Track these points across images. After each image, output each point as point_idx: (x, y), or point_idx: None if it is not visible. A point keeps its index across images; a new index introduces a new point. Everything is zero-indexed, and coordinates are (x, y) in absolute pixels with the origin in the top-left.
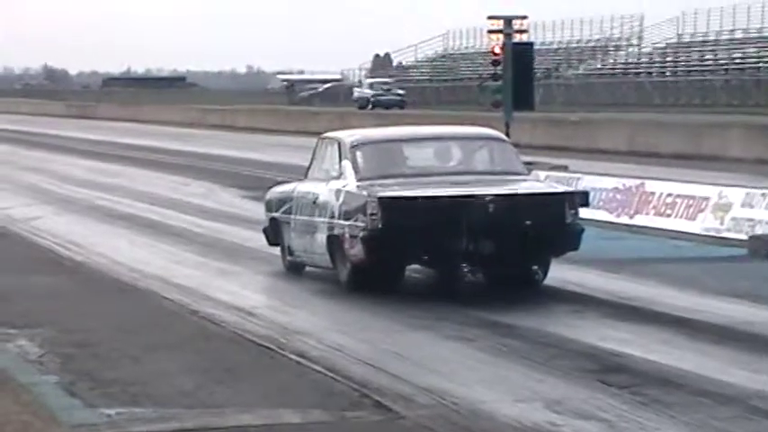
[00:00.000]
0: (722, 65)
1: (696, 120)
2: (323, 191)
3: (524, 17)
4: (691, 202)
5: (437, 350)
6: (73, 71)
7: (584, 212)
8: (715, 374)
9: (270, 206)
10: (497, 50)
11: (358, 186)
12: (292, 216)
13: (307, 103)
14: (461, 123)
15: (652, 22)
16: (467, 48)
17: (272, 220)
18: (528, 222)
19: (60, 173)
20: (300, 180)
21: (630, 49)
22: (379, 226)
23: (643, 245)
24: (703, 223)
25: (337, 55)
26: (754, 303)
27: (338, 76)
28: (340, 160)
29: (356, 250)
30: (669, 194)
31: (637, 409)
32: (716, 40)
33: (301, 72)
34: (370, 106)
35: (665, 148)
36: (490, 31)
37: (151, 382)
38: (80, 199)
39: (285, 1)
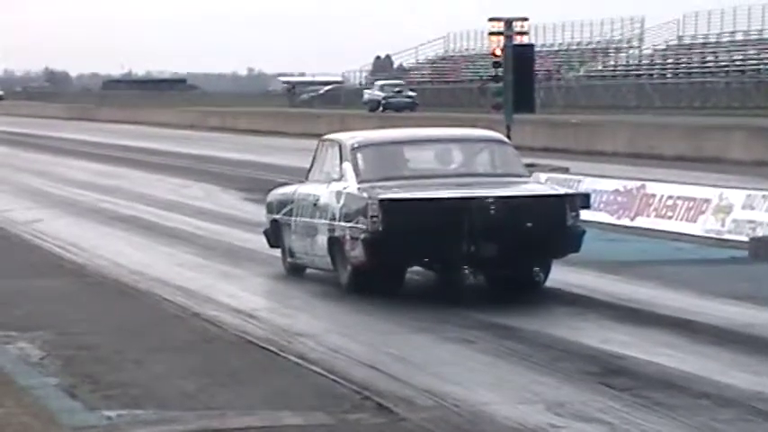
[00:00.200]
0: (723, 67)
1: (697, 122)
2: (324, 193)
3: (525, 19)
4: (691, 204)
5: (438, 352)
6: (73, 74)
7: (584, 214)
8: (716, 376)
9: (271, 208)
10: (498, 52)
11: (359, 188)
12: (293, 218)
13: (307, 106)
14: (462, 125)
15: (653, 24)
16: (467, 50)
17: (273, 222)
18: (529, 224)
19: (61, 175)
20: (301, 182)
21: (631, 52)
22: (380, 228)
23: (644, 247)
24: (704, 225)
25: (338, 57)
26: (754, 305)
27: (339, 79)
28: (341, 162)
29: (357, 252)
30: (670, 196)
31: (638, 412)
32: (716, 43)
33: (302, 74)
34: (380, 109)
35: (665, 151)
36: (491, 33)
37: (152, 385)
38: (81, 201)
39: (286, 3)
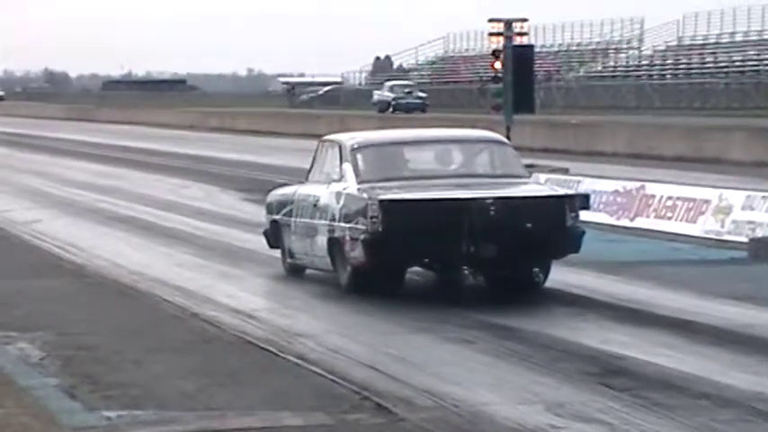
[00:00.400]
0: (722, 68)
1: (696, 122)
2: (323, 194)
3: (525, 20)
4: (691, 204)
5: (438, 353)
6: (73, 74)
7: (584, 215)
8: (715, 377)
9: (270, 209)
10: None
11: (359, 189)
12: (293, 219)
13: (307, 106)
14: (462, 126)
15: (652, 24)
16: (467, 50)
17: (273, 222)
18: (529, 225)
19: (60, 176)
20: (301, 183)
21: (631, 52)
22: (380, 229)
23: (643, 247)
24: (704, 226)
25: (338, 57)
26: (754, 306)
27: (339, 79)
28: (341, 163)
29: (357, 253)
30: (669, 197)
31: (638, 412)
32: (716, 43)
33: (302, 75)
34: (390, 110)
35: (665, 151)
36: (491, 34)
37: (152, 385)
38: (80, 202)
39: (286, 3)
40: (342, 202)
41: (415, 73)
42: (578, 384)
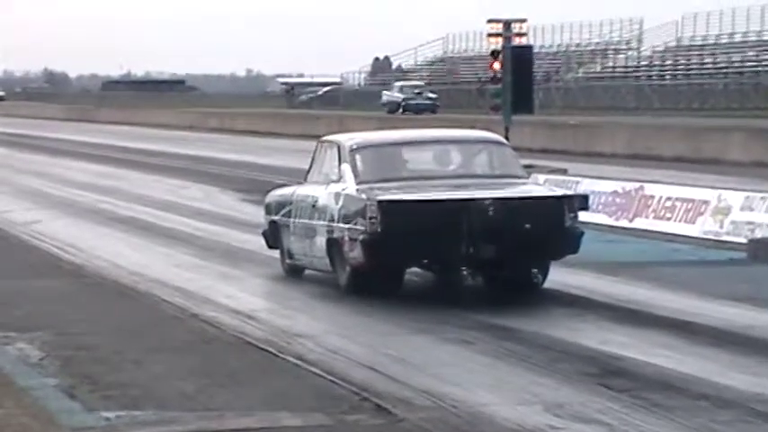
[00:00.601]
0: (721, 68)
1: (695, 123)
2: (322, 194)
3: (524, 20)
4: (690, 205)
5: (437, 353)
6: (73, 74)
7: (583, 216)
8: (715, 378)
9: (269, 209)
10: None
11: (357, 190)
12: (292, 219)
13: (306, 107)
14: (460, 126)
15: (651, 25)
16: (466, 51)
17: (272, 223)
18: (527, 226)
19: (60, 176)
20: (300, 183)
21: (630, 53)
22: (379, 229)
23: (642, 248)
24: (703, 226)
25: (337, 58)
26: (753, 307)
27: (338, 80)
28: (339, 163)
29: (356, 253)
30: (668, 198)
31: (637, 413)
32: (715, 44)
33: (301, 75)
34: (400, 111)
35: (664, 152)
36: (490, 35)
37: (151, 386)
38: (80, 202)
39: (285, 3)
40: (341, 203)
41: (414, 74)
42: (577, 385)
